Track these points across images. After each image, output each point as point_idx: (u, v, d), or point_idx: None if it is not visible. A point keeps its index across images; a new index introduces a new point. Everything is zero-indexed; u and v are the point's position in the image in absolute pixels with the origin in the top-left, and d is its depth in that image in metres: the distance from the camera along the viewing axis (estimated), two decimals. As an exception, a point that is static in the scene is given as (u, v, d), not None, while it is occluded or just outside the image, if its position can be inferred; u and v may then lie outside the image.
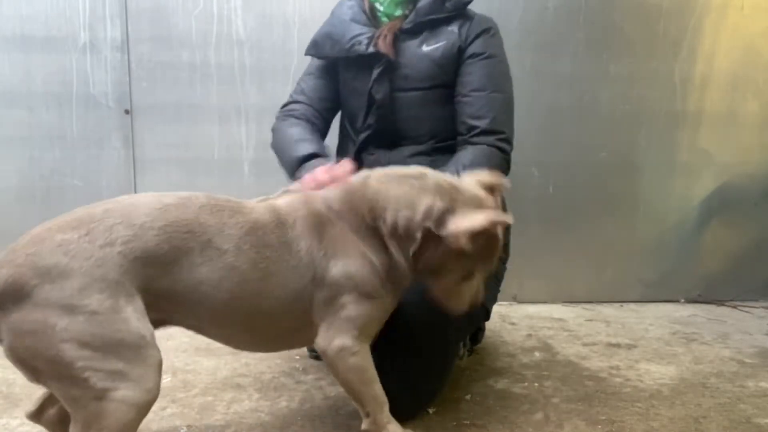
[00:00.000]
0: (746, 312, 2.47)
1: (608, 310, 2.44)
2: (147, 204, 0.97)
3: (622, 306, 2.52)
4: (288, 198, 1.13)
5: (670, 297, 2.59)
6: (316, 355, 1.78)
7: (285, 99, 2.22)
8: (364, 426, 1.15)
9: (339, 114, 1.71)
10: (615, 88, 2.43)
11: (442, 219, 1.06)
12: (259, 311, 1.05)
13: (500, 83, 1.48)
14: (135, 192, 2.24)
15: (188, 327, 1.09)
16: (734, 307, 2.53)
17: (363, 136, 1.55)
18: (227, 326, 1.09)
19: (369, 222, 1.10)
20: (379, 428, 1.14)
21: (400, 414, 1.32)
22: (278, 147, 1.56)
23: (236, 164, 2.28)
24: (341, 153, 1.65)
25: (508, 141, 1.46)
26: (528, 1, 2.33)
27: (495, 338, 2.00)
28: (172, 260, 0.95)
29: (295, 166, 1.44)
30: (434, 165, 1.48)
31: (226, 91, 2.24)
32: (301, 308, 1.08)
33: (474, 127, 1.44)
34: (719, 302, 2.58)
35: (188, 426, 1.31)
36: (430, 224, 1.06)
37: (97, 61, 2.18)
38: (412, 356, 1.33)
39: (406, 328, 1.34)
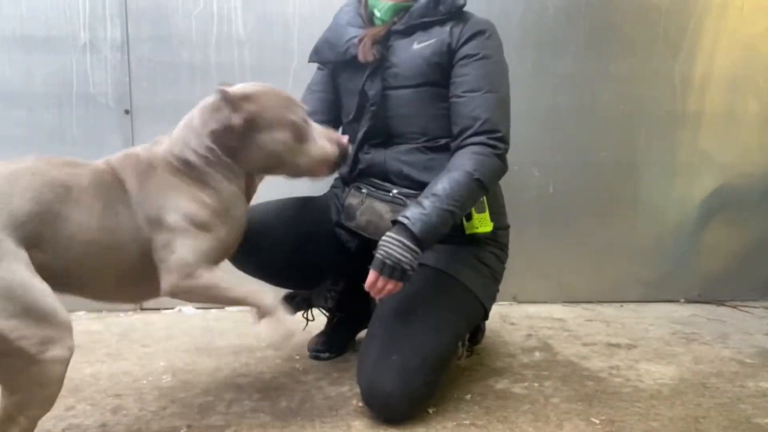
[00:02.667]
0: (746, 312, 2.47)
1: (608, 310, 2.44)
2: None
3: (622, 306, 2.52)
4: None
5: (670, 297, 2.60)
6: (316, 356, 1.78)
7: (285, 99, 2.25)
8: (256, 317, 1.20)
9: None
10: (615, 88, 2.43)
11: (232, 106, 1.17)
12: (109, 249, 1.11)
13: (495, 83, 1.46)
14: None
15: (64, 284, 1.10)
16: (734, 307, 2.53)
17: (359, 135, 1.55)
18: (90, 269, 1.11)
19: (179, 164, 1.18)
20: (269, 313, 1.19)
21: (398, 414, 1.33)
22: None
23: (236, 164, 2.28)
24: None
25: (503, 140, 1.44)
26: (528, 1, 2.33)
27: (495, 338, 2.01)
28: (42, 215, 1.02)
29: None
30: (431, 164, 1.50)
31: (226, 91, 2.24)
32: (140, 250, 1.14)
33: (468, 127, 1.43)
34: (719, 302, 2.58)
35: (188, 426, 1.31)
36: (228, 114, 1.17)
37: (97, 61, 2.18)
38: (409, 355, 1.33)
39: (406, 326, 1.35)
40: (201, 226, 1.16)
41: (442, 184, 1.35)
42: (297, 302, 1.75)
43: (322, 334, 1.83)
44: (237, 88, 1.20)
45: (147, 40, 2.19)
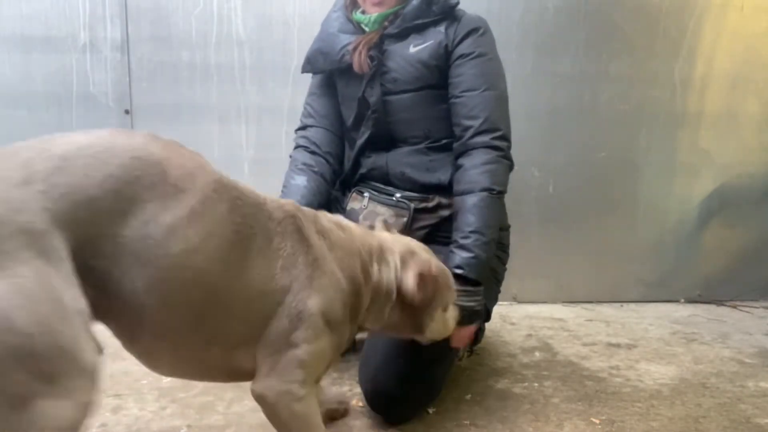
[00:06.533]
0: (746, 312, 2.47)
1: (608, 310, 2.44)
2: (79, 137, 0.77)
3: (622, 306, 2.52)
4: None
5: (670, 297, 2.60)
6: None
7: (285, 99, 2.25)
8: None
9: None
10: (615, 88, 2.43)
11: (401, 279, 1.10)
12: (214, 300, 0.83)
13: (491, 81, 1.46)
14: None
15: (113, 319, 0.86)
16: (734, 307, 2.53)
17: (360, 141, 1.54)
18: (163, 311, 0.82)
19: (360, 263, 1.04)
20: None
21: (400, 415, 1.33)
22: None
23: (236, 164, 2.28)
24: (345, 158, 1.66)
25: (505, 137, 1.45)
26: (528, 1, 2.33)
27: (495, 338, 2.01)
28: (115, 204, 0.73)
29: None
30: (433, 164, 1.50)
31: (226, 91, 2.24)
32: (258, 323, 0.90)
33: (469, 128, 1.43)
34: (719, 302, 2.58)
35: (188, 426, 1.31)
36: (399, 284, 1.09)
37: (97, 61, 2.18)
38: (413, 358, 1.33)
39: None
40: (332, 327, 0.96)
41: (474, 216, 1.36)
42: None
43: (322, 334, 1.83)
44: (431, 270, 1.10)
45: (147, 40, 2.19)
